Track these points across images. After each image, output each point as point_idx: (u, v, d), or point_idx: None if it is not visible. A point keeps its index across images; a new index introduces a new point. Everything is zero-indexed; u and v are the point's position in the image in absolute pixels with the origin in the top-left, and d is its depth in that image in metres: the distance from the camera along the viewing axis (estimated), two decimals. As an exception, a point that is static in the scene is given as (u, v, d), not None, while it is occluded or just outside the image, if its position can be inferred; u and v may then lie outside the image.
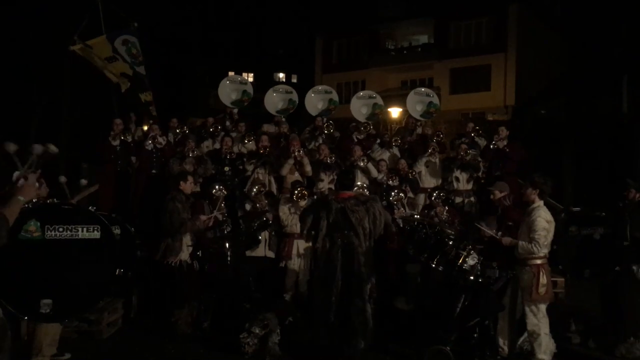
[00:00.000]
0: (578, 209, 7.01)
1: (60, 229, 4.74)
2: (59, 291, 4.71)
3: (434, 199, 8.05)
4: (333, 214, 5.44)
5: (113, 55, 10.68)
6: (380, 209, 5.60)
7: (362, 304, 5.42)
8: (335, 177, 8.73)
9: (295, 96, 11.25)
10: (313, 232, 5.63)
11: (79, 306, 4.93)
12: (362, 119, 10.78)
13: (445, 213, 7.72)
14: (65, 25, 10.96)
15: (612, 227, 6.24)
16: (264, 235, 7.63)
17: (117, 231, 5.76)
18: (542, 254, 5.39)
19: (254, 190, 8.05)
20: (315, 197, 7.92)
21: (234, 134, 10.11)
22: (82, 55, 10.62)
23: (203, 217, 6.66)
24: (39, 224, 4.68)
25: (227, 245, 6.83)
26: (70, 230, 4.76)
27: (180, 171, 7.52)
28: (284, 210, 7.79)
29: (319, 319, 5.45)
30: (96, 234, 4.81)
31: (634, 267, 5.98)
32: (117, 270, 4.95)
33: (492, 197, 6.41)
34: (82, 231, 4.79)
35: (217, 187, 7.54)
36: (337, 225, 5.45)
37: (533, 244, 5.32)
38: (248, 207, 8.06)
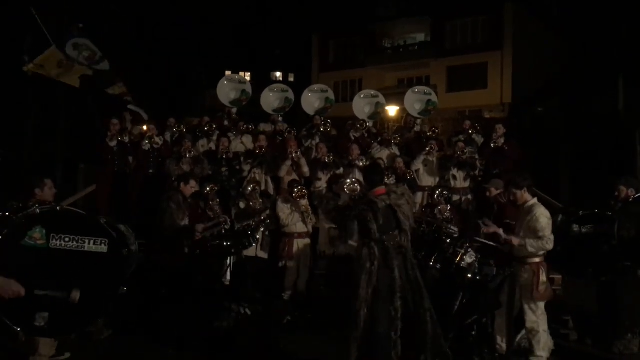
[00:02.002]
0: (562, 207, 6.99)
1: (67, 239, 4.49)
2: (57, 305, 4.45)
3: (437, 197, 8.07)
4: (381, 214, 4.84)
5: (67, 61, 10.42)
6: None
7: (429, 314, 4.86)
8: (331, 175, 8.79)
9: (291, 94, 11.28)
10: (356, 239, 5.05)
11: (75, 323, 4.66)
12: (364, 117, 10.80)
13: (447, 211, 7.73)
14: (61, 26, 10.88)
15: (609, 226, 6.25)
16: (258, 235, 7.62)
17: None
18: (543, 251, 5.40)
19: (249, 189, 8.06)
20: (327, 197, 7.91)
21: (231, 134, 10.11)
22: (38, 73, 10.35)
23: (200, 228, 6.61)
24: (44, 231, 4.44)
25: (225, 244, 6.83)
26: (77, 242, 4.51)
27: (183, 173, 7.53)
28: (284, 210, 7.78)
29: (379, 337, 4.78)
30: (103, 248, 4.55)
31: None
32: (121, 289, 4.67)
33: (487, 194, 6.44)
34: (89, 243, 4.53)
35: (208, 187, 7.57)
36: (386, 227, 4.86)
37: (545, 241, 5.31)
38: (242, 205, 8.06)
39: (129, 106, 10.67)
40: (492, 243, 5.66)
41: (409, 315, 4.80)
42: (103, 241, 4.60)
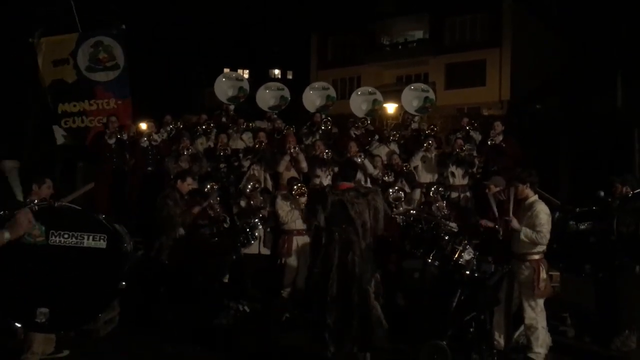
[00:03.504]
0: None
1: (65, 235, 4.47)
2: (57, 301, 4.44)
3: (432, 194, 8.07)
4: (329, 206, 5.12)
5: (67, 57, 9.87)
6: (382, 201, 5.33)
7: (365, 308, 5.05)
8: (332, 173, 8.78)
9: (286, 93, 11.29)
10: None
11: (76, 319, 4.62)
12: (361, 115, 10.81)
13: (445, 208, 7.73)
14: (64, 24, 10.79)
15: (607, 223, 6.25)
16: (258, 233, 7.63)
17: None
18: (542, 248, 5.43)
19: (249, 187, 8.06)
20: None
21: (230, 131, 10.12)
22: (36, 51, 9.96)
23: (195, 209, 6.67)
24: (43, 228, 4.40)
25: (224, 242, 6.85)
26: (76, 238, 4.49)
27: (181, 171, 7.54)
28: (283, 207, 7.76)
29: (317, 319, 5.18)
30: (102, 244, 4.52)
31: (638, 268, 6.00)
32: (120, 284, 4.61)
33: (487, 190, 6.44)
34: (88, 239, 4.51)
35: (208, 185, 7.58)
36: (334, 219, 5.11)
37: (540, 235, 5.34)
38: (243, 204, 8.08)
39: (54, 126, 10.34)
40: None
41: (346, 306, 5.01)
42: (102, 237, 4.61)
